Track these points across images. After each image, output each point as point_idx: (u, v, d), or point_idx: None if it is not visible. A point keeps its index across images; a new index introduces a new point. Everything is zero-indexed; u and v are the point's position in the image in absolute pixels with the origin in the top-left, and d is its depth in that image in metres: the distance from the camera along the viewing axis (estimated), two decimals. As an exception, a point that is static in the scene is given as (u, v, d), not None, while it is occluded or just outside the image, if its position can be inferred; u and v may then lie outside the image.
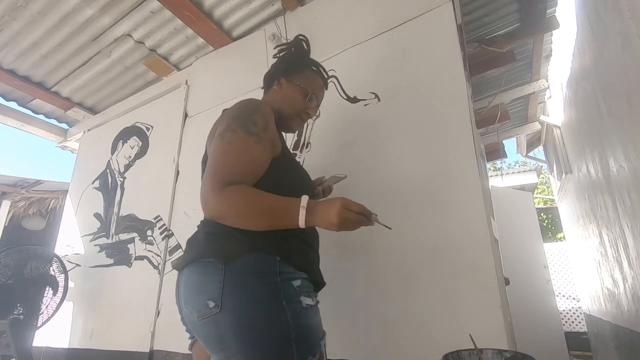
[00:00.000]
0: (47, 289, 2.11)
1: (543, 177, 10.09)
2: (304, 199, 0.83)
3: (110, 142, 2.82)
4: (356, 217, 0.82)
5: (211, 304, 0.80)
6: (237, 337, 0.79)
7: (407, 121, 1.49)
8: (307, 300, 0.87)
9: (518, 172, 6.33)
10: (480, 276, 1.18)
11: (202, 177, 0.96)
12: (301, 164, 1.70)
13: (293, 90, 1.16)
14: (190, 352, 1.05)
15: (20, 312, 1.97)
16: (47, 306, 2.08)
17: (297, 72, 1.18)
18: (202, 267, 0.86)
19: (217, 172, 0.85)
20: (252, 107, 0.99)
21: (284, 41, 1.97)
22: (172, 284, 2.07)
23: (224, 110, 1.07)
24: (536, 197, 8.40)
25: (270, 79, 1.20)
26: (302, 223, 0.82)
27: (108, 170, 2.73)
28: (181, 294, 0.89)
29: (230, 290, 0.81)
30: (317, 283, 0.98)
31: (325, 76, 1.24)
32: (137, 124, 2.70)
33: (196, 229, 1.00)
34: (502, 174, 6.03)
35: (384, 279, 1.35)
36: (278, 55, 1.22)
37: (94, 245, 2.53)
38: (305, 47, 1.21)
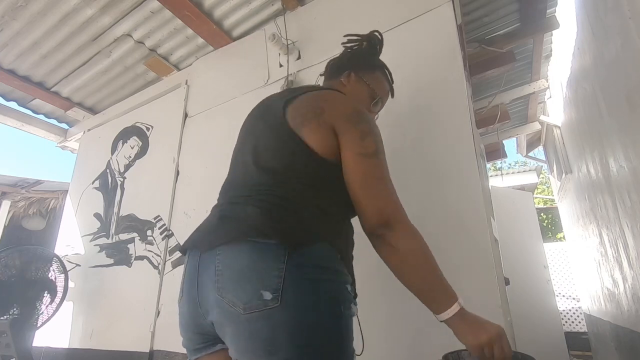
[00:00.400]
0: (47, 285, 2.11)
1: (543, 177, 10.09)
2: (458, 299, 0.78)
3: (110, 142, 2.82)
4: (500, 354, 0.72)
5: (267, 295, 0.66)
6: (294, 339, 0.67)
7: (407, 121, 1.49)
8: (354, 310, 0.77)
9: (518, 172, 6.33)
10: (480, 276, 1.18)
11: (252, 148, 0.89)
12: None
13: (361, 89, 1.09)
14: None
15: (24, 311, 1.97)
16: (47, 306, 2.08)
17: (368, 71, 1.11)
18: (260, 249, 0.71)
19: (394, 194, 0.83)
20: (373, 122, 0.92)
21: (284, 41, 1.97)
22: (172, 284, 2.07)
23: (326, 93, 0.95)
24: (536, 197, 8.40)
25: (338, 69, 1.12)
26: (447, 314, 0.75)
27: (108, 170, 2.73)
28: (214, 277, 0.72)
29: (292, 283, 0.68)
30: (355, 293, 0.86)
31: (392, 83, 1.18)
32: (137, 124, 2.70)
33: (235, 200, 0.83)
34: (502, 174, 6.02)
35: (384, 279, 1.35)
36: (348, 45, 1.15)
37: (94, 245, 2.53)
38: (379, 46, 1.15)
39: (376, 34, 1.14)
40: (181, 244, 2.04)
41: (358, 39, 1.13)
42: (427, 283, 0.79)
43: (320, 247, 0.75)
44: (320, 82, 1.80)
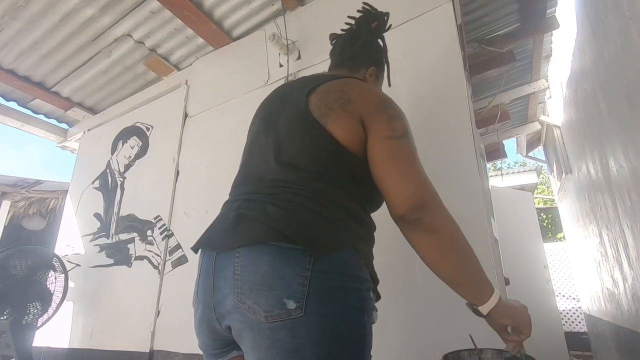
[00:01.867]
0: (47, 284, 2.10)
1: (543, 177, 10.09)
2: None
3: (110, 142, 2.82)
4: (527, 327, 0.77)
5: (291, 305, 0.63)
6: (317, 350, 0.63)
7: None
8: (375, 316, 0.74)
9: (518, 172, 6.33)
10: (480, 276, 1.18)
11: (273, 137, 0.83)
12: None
13: (376, 82, 1.08)
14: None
15: (24, 311, 1.97)
16: (36, 313, 2.06)
17: (382, 69, 1.09)
18: (284, 253, 0.66)
19: (427, 177, 0.78)
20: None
21: (284, 41, 1.97)
22: (172, 284, 2.07)
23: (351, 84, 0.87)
24: (536, 197, 8.40)
25: (360, 60, 1.05)
26: (490, 305, 0.74)
27: (108, 170, 2.73)
28: (233, 281, 0.67)
29: (317, 292, 0.64)
30: (379, 295, 0.83)
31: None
32: (137, 124, 2.70)
33: (253, 197, 0.77)
34: (502, 174, 6.02)
35: (383, 279, 1.35)
36: (371, 27, 1.08)
37: (94, 245, 2.53)
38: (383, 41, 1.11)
39: (386, 18, 1.10)
40: (181, 244, 2.06)
41: (375, 20, 1.08)
42: (468, 271, 0.75)
43: (346, 254, 0.71)
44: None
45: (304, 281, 0.64)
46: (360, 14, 1.09)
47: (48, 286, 2.10)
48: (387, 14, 1.10)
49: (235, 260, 0.68)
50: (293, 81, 1.03)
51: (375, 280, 0.79)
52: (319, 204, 0.73)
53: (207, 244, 0.77)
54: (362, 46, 1.06)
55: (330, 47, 1.12)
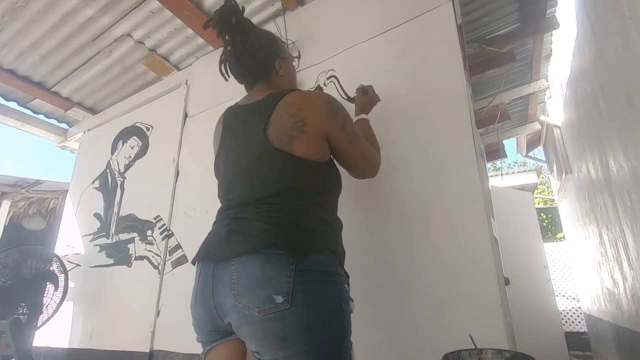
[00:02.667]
0: (47, 285, 2.10)
1: (543, 177, 10.09)
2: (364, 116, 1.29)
3: (110, 142, 2.82)
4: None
5: (279, 299, 0.76)
6: (305, 335, 0.76)
7: (407, 121, 1.49)
8: (352, 306, 0.88)
9: (518, 172, 6.34)
10: (480, 276, 1.18)
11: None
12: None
13: (289, 66, 1.14)
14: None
15: (24, 311, 1.97)
16: (47, 306, 2.08)
17: (282, 51, 1.12)
18: (271, 259, 0.80)
19: (371, 151, 1.11)
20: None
21: (284, 41, 1.97)
22: (172, 284, 2.07)
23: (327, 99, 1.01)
24: (536, 197, 8.40)
25: (262, 66, 1.07)
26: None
27: (108, 170, 2.73)
28: (230, 285, 0.81)
29: (300, 287, 0.77)
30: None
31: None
32: (137, 124, 2.70)
33: (241, 215, 0.90)
34: (502, 174, 6.02)
35: (383, 279, 1.35)
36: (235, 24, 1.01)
37: (94, 245, 2.53)
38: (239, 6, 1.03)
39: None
40: (181, 244, 2.06)
41: (231, 16, 1.01)
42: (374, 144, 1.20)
43: (323, 255, 0.85)
44: (321, 80, 1.81)
45: (288, 279, 0.77)
46: (214, 23, 1.02)
47: (48, 286, 2.10)
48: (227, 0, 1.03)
49: (231, 269, 0.81)
50: (244, 110, 1.05)
51: (346, 275, 0.93)
52: (298, 217, 0.87)
53: (204, 257, 0.90)
54: (250, 54, 1.05)
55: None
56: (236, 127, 1.03)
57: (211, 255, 0.88)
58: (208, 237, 0.95)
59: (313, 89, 1.81)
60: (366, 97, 1.34)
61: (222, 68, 1.07)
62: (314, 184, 0.93)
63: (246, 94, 1.13)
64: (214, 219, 1.00)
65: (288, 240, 0.82)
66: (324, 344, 0.78)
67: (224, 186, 1.02)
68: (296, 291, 0.77)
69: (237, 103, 1.11)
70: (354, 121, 1.16)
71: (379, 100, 1.39)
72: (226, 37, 1.03)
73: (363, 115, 1.29)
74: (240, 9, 1.03)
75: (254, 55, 1.05)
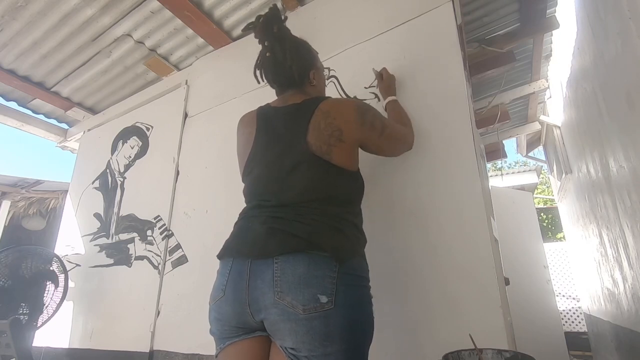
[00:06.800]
0: (47, 285, 2.10)
1: (543, 177, 10.09)
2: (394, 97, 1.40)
3: (110, 142, 2.82)
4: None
5: (323, 299, 0.80)
6: (345, 334, 0.81)
7: (407, 121, 1.49)
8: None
9: (518, 172, 6.34)
10: (480, 276, 1.18)
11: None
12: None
13: (321, 75, 1.17)
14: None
15: (24, 311, 1.97)
16: (47, 306, 2.08)
17: (316, 62, 1.17)
18: (316, 260, 0.84)
19: (402, 134, 1.25)
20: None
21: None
22: (172, 284, 2.06)
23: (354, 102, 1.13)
24: (536, 197, 8.40)
25: (299, 73, 1.10)
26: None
27: (108, 170, 2.73)
28: (271, 281, 0.83)
29: (342, 289, 0.82)
30: None
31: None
32: (137, 124, 2.70)
33: (279, 215, 0.92)
34: (502, 174, 6.03)
35: (383, 279, 1.35)
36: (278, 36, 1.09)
37: (94, 245, 2.53)
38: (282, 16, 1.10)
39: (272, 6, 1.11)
40: (181, 244, 2.06)
41: (273, 25, 1.08)
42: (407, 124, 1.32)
43: (359, 260, 0.94)
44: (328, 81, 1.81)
45: (332, 281, 0.82)
46: (256, 29, 1.09)
47: (48, 286, 2.10)
48: (273, 6, 1.11)
49: (274, 266, 0.83)
50: (273, 116, 1.08)
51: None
52: (338, 222, 0.92)
53: (238, 253, 0.91)
54: (288, 63, 1.08)
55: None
56: (275, 129, 1.05)
57: (245, 251, 0.89)
58: (239, 232, 0.96)
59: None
60: (386, 80, 1.43)
61: (257, 72, 1.13)
62: (347, 192, 0.99)
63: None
64: (240, 216, 1.01)
65: (331, 244, 0.86)
66: (359, 344, 0.85)
67: (258, 185, 1.02)
68: (339, 292, 0.81)
69: (269, 104, 1.15)
70: (383, 105, 1.34)
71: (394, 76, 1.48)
72: (265, 43, 1.09)
73: (390, 98, 1.37)
74: (283, 18, 1.10)
75: (291, 64, 1.09)
